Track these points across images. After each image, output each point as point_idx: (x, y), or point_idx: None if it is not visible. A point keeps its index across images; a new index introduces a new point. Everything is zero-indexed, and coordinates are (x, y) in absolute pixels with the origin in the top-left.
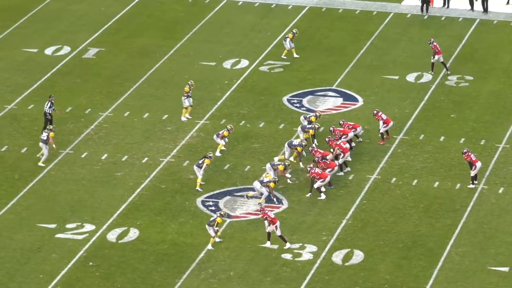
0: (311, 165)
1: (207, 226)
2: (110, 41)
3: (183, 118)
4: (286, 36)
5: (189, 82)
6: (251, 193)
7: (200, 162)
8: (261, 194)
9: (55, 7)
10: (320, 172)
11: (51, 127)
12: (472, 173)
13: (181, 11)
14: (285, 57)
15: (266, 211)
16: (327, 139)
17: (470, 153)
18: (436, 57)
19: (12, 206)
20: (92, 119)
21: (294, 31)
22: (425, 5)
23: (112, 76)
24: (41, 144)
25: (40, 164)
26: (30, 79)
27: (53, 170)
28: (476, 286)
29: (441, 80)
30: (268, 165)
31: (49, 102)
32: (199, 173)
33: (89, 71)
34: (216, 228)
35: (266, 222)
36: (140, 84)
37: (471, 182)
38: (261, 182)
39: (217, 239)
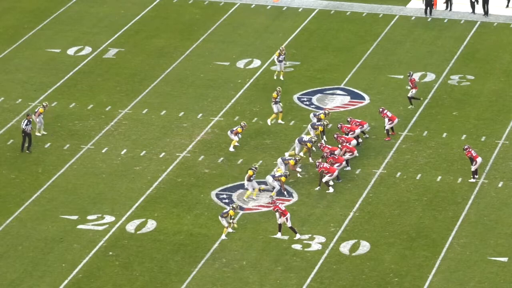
0: (320, 160)
1: (220, 217)
2: (130, 42)
3: (269, 122)
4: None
5: (277, 88)
6: (263, 187)
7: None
8: (273, 188)
9: (77, 10)
10: (328, 167)
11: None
12: (473, 168)
13: (197, 13)
14: (282, 78)
15: (277, 204)
16: (335, 136)
17: (471, 149)
18: (414, 91)
19: (36, 199)
20: (112, 116)
21: (281, 48)
22: (428, 8)
23: (131, 75)
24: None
25: (41, 133)
26: (53, 78)
27: (75, 164)
28: (476, 275)
29: (443, 79)
30: (279, 160)
31: (27, 120)
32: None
33: (109, 71)
34: (231, 221)
35: (277, 214)
36: (158, 83)
37: (472, 176)
38: (273, 176)
39: (230, 230)
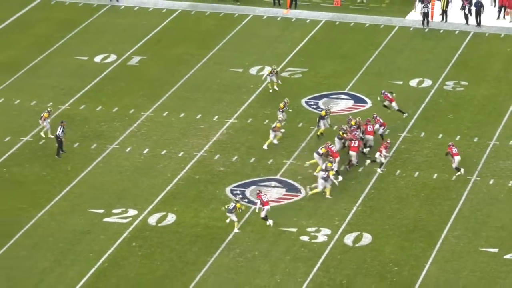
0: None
1: (228, 214)
2: (151, 50)
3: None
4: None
5: (285, 100)
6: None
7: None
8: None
9: (103, 21)
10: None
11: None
12: (454, 165)
13: (213, 24)
14: (277, 89)
15: (261, 194)
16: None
17: (452, 147)
18: (393, 104)
19: (66, 194)
20: (135, 118)
21: (273, 67)
22: (425, 19)
23: (153, 80)
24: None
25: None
26: (81, 83)
27: (101, 162)
28: (469, 265)
29: (439, 85)
30: (315, 155)
31: (62, 127)
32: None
33: (133, 76)
34: (240, 206)
35: (258, 202)
36: (177, 88)
37: (455, 173)
38: (318, 153)
39: (235, 219)
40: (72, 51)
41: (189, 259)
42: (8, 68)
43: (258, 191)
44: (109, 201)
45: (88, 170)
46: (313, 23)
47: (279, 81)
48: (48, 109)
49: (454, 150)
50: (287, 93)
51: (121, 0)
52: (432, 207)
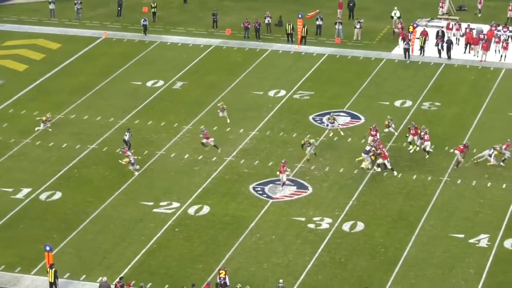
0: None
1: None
2: (191, 77)
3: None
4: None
5: (310, 139)
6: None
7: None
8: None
9: (153, 54)
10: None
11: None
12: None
13: (240, 56)
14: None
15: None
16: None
17: (382, 147)
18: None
19: (123, 190)
20: (178, 130)
21: (220, 103)
22: (407, 53)
23: (192, 101)
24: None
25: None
26: (136, 103)
27: (152, 165)
28: (441, 247)
29: (418, 105)
30: (364, 155)
31: (129, 134)
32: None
33: (176, 98)
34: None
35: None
36: (211, 107)
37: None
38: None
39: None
40: (129, 77)
41: (220, 242)
42: (79, 91)
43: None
44: (157, 196)
45: (141, 171)
46: (319, 56)
47: (226, 116)
48: (47, 115)
49: (385, 151)
50: (298, 112)
51: (168, 38)
52: (412, 201)
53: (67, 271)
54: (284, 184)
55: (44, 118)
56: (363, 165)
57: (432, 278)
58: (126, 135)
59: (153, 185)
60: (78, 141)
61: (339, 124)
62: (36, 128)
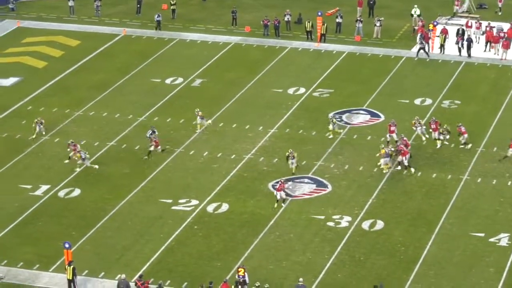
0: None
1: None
2: (210, 74)
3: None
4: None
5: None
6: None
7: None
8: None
9: (172, 51)
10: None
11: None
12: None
13: (259, 54)
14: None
15: (283, 184)
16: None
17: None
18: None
19: (142, 188)
20: (197, 127)
21: (197, 110)
22: (422, 51)
23: (211, 98)
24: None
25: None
26: (155, 100)
27: (170, 162)
28: (461, 246)
29: (438, 103)
30: (386, 159)
31: (151, 130)
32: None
33: (196, 95)
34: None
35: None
36: (230, 104)
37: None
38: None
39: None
40: (148, 75)
41: (239, 239)
42: (98, 88)
43: (281, 182)
44: (176, 193)
45: (160, 168)
46: (338, 54)
47: (209, 122)
48: (41, 120)
49: (403, 147)
50: (317, 109)
51: (188, 35)
52: (431, 200)
53: (85, 268)
54: (282, 200)
55: (36, 121)
56: (382, 166)
57: (452, 277)
58: (149, 132)
59: (172, 182)
60: (96, 138)
61: (335, 125)
62: (30, 138)
